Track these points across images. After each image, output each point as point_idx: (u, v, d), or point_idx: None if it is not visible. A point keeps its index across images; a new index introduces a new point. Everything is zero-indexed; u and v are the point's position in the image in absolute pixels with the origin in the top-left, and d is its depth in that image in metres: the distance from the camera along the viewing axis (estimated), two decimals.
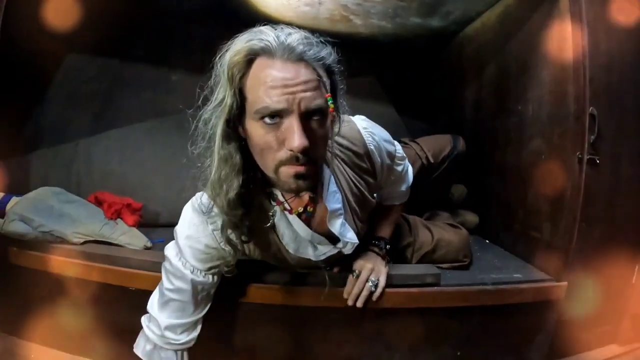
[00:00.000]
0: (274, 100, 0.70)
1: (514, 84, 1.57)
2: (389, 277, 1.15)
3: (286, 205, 0.90)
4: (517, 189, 1.54)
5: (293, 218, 0.92)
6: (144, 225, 1.53)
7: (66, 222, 1.34)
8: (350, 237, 0.96)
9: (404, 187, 1.22)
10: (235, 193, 0.81)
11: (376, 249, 1.15)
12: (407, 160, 1.21)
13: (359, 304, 1.04)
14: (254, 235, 0.93)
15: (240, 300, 1.17)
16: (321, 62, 0.76)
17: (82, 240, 1.34)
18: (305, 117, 0.73)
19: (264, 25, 0.77)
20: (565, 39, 1.29)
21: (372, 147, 0.99)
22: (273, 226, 0.93)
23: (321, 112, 0.75)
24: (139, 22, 1.90)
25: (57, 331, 1.36)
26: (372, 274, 1.08)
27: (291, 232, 0.95)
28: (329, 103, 0.76)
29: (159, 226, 1.66)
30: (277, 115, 0.72)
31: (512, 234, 1.58)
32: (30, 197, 1.39)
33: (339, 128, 0.87)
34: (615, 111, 1.36)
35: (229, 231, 0.88)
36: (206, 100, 0.80)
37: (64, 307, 1.34)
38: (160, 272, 1.02)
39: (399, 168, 1.15)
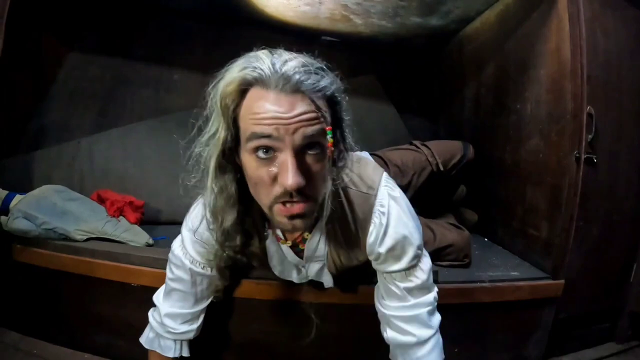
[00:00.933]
0: (263, 128, 0.65)
1: (512, 82, 1.57)
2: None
3: (279, 235, 0.88)
4: (515, 187, 1.55)
5: (273, 241, 0.90)
6: (146, 223, 1.54)
7: (69, 220, 1.36)
8: (326, 281, 0.97)
9: (428, 332, 0.89)
10: (231, 224, 0.79)
11: None
12: (435, 295, 0.93)
13: None
14: (252, 259, 0.93)
15: (235, 296, 1.19)
16: (321, 93, 0.68)
17: (85, 237, 1.35)
18: (301, 152, 0.67)
19: (262, 49, 0.72)
20: (562, 38, 1.30)
21: (373, 223, 0.86)
22: (264, 246, 0.92)
23: (319, 146, 0.68)
24: (140, 21, 1.92)
25: (60, 327, 1.38)
26: None
27: (279, 255, 0.95)
28: (328, 137, 0.69)
29: (161, 224, 1.68)
30: (270, 149, 0.66)
31: (510, 232, 1.59)
32: (33, 194, 1.40)
33: (344, 163, 0.79)
34: (613, 110, 1.37)
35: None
36: (200, 130, 0.75)
37: (67, 303, 1.37)
38: (162, 269, 1.05)
39: (414, 281, 0.88)
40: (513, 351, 1.35)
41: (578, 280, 1.36)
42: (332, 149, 0.70)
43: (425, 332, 0.87)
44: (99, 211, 1.44)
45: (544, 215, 1.40)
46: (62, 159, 1.71)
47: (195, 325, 1.03)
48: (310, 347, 1.26)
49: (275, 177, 0.67)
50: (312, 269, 0.96)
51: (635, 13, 1.43)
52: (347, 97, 0.75)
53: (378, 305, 0.96)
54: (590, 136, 1.28)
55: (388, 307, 0.91)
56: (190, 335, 1.03)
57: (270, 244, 0.92)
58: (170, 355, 1.02)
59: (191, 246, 0.93)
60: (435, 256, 1.35)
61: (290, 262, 0.95)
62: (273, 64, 0.66)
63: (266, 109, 0.65)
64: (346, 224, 0.87)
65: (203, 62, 1.94)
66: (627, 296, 1.51)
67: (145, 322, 1.28)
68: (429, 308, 0.88)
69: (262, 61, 0.67)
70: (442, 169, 1.55)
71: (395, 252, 0.85)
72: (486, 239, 1.74)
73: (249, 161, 0.69)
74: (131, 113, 1.86)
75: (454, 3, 1.65)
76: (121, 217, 1.46)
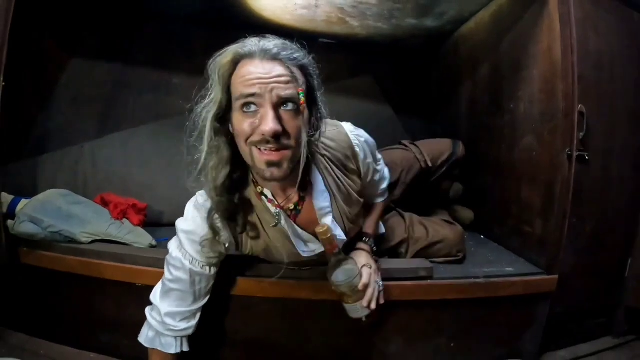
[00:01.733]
0: (247, 87, 0.81)
1: (506, 82, 1.59)
2: (383, 271, 1.20)
3: (269, 196, 0.97)
4: (510, 185, 1.57)
5: (285, 219, 0.99)
6: (149, 225, 1.57)
7: (74, 223, 1.38)
8: (339, 234, 1.04)
9: (384, 185, 1.28)
10: (222, 182, 0.90)
11: (366, 246, 1.18)
12: (383, 161, 1.27)
13: (373, 305, 1.07)
14: (249, 230, 1.01)
15: (238, 294, 1.22)
16: (294, 62, 0.85)
17: (90, 240, 1.38)
18: (278, 106, 0.82)
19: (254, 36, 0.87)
20: (554, 39, 1.32)
21: (358, 149, 1.06)
22: (271, 225, 1.00)
23: (293, 102, 0.83)
24: (140, 26, 1.95)
25: (66, 327, 1.41)
26: (376, 275, 1.11)
27: (284, 231, 1.01)
28: (300, 96, 0.84)
29: (163, 225, 1.70)
30: (253, 104, 0.82)
31: (505, 229, 1.62)
32: (39, 199, 1.43)
33: (324, 129, 0.94)
34: (606, 108, 1.39)
35: (224, 222, 0.97)
36: (202, 100, 0.89)
37: (73, 304, 1.39)
38: None
39: (379, 167, 1.21)
40: (509, 346, 1.38)
41: (572, 275, 1.38)
42: (304, 106, 0.85)
43: (384, 185, 1.25)
44: (103, 214, 1.47)
45: (538, 213, 1.42)
46: (66, 163, 1.74)
47: (194, 322, 1.10)
48: (311, 344, 1.30)
49: (257, 127, 0.82)
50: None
51: (627, 12, 1.45)
52: (318, 73, 0.91)
53: None
54: (581, 134, 1.30)
55: (376, 192, 1.24)
56: (190, 332, 1.09)
57: (276, 231, 1.01)
58: (172, 351, 1.07)
59: (190, 246, 1.01)
60: (429, 252, 1.39)
61: (295, 237, 1.03)
62: (259, 42, 0.84)
63: (250, 72, 0.81)
64: (337, 160, 1.04)
65: (202, 66, 1.95)
66: (622, 291, 1.52)
67: None
68: (383, 174, 1.25)
69: (251, 41, 0.85)
70: (430, 165, 1.60)
71: (372, 153, 1.12)
72: (482, 236, 1.76)
73: (237, 118, 0.84)
74: (133, 117, 1.89)
75: (449, 4, 1.67)
76: (125, 219, 1.49)
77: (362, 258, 1.12)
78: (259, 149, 0.83)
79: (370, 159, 1.12)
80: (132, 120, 1.88)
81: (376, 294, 1.07)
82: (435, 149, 1.65)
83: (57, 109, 1.81)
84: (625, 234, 1.50)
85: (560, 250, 1.34)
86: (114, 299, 1.35)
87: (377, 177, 1.20)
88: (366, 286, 1.04)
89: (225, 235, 1.00)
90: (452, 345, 1.32)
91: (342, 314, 1.11)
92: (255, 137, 0.82)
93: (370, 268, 1.08)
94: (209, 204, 0.97)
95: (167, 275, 1.05)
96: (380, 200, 1.28)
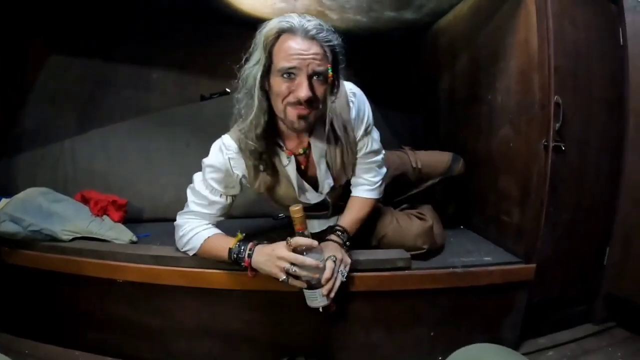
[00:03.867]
0: (289, 61, 0.99)
1: (484, 73, 1.60)
2: (362, 262, 1.23)
3: (289, 148, 1.19)
4: (488, 175, 1.59)
5: (293, 167, 1.20)
6: (129, 221, 1.57)
7: (55, 221, 1.38)
8: (329, 182, 1.25)
9: (376, 178, 1.32)
10: (262, 129, 1.10)
11: (338, 239, 1.21)
12: (383, 155, 1.35)
13: (332, 295, 1.10)
14: (266, 168, 1.19)
15: (215, 287, 1.25)
16: (328, 43, 1.03)
17: (71, 237, 1.38)
18: (311, 77, 1.01)
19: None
20: (530, 30, 1.33)
21: (351, 104, 1.23)
22: (284, 167, 1.21)
23: (323, 75, 1.03)
24: (120, 21, 1.92)
25: (50, 326, 1.41)
26: (341, 265, 1.14)
27: (289, 177, 1.22)
28: (329, 71, 1.04)
29: (144, 221, 1.71)
30: (292, 73, 1.00)
31: (484, 218, 1.64)
32: (19, 197, 1.43)
33: (336, 95, 1.13)
34: (583, 99, 1.41)
35: (247, 159, 1.17)
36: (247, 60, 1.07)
37: (56, 302, 1.40)
38: (147, 264, 1.28)
39: (375, 147, 1.31)
40: (489, 334, 1.39)
41: (550, 264, 1.40)
42: (331, 79, 1.06)
43: (376, 178, 1.32)
44: (83, 211, 1.47)
45: (515, 202, 1.44)
46: (46, 161, 1.73)
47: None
48: (292, 335, 1.31)
49: (293, 91, 1.01)
50: (321, 172, 1.23)
51: (604, 3, 1.46)
52: (344, 52, 1.09)
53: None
54: (558, 125, 1.31)
55: (366, 181, 1.32)
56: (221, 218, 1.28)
57: (288, 167, 1.20)
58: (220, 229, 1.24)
59: (211, 178, 1.20)
60: (391, 242, 1.36)
61: (300, 186, 1.24)
62: (299, 20, 1.01)
63: (292, 47, 1.00)
64: (336, 111, 1.20)
65: (182, 60, 1.96)
66: (601, 279, 1.55)
67: (132, 317, 1.33)
68: (379, 163, 1.33)
69: (293, 18, 1.02)
70: (421, 170, 1.61)
71: (366, 115, 1.27)
72: (462, 227, 1.77)
73: (276, 81, 1.03)
74: (112, 114, 1.88)
75: None
76: (105, 216, 1.49)
77: (329, 249, 1.16)
78: (293, 106, 1.03)
79: (363, 118, 1.26)
80: (111, 117, 1.86)
81: (337, 284, 1.11)
82: (432, 160, 1.64)
83: (36, 107, 1.80)
84: (603, 222, 1.52)
85: (537, 239, 1.36)
86: (97, 296, 1.36)
87: (367, 149, 1.29)
88: (327, 280, 1.09)
89: (239, 170, 1.19)
90: (431, 334, 1.34)
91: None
92: (291, 99, 1.02)
93: (335, 260, 1.12)
94: (234, 145, 1.17)
95: (190, 198, 1.24)
96: (369, 192, 1.32)
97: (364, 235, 1.35)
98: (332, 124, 1.19)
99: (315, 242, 1.07)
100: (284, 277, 1.06)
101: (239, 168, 1.19)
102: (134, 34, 1.94)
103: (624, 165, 1.49)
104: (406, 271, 1.27)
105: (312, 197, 1.28)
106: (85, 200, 1.54)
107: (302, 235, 1.06)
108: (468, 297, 1.34)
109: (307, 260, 1.05)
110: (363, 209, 1.31)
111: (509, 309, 1.40)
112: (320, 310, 1.11)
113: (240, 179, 1.22)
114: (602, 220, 1.52)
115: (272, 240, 1.14)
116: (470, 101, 1.72)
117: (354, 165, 1.30)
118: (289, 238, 1.07)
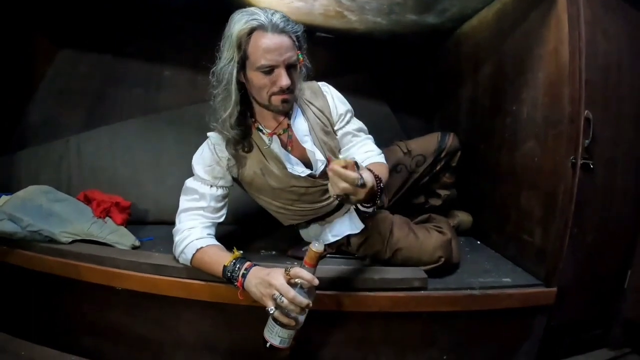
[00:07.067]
0: (268, 59, 1.10)
1: (509, 83, 1.54)
2: (376, 281, 1.17)
3: (268, 130, 1.26)
4: (510, 191, 1.52)
5: (276, 143, 1.27)
6: (133, 223, 1.53)
7: (55, 222, 1.35)
8: (318, 156, 1.29)
9: (377, 148, 1.39)
10: (235, 118, 1.18)
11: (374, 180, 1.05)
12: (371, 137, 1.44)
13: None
14: (250, 149, 1.27)
15: (222, 302, 1.20)
16: (295, 33, 1.14)
17: (70, 240, 1.34)
18: (287, 68, 1.13)
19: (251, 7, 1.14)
20: (561, 40, 1.26)
21: (325, 93, 1.37)
22: (269, 148, 1.26)
23: (296, 64, 1.16)
24: (131, 18, 1.89)
25: (46, 328, 1.38)
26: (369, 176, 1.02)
27: (275, 153, 1.27)
28: (299, 57, 1.16)
29: (148, 223, 1.67)
30: (271, 68, 1.11)
31: (503, 236, 1.57)
32: (19, 196, 1.39)
33: (305, 73, 1.24)
34: (612, 115, 1.34)
35: (230, 147, 1.24)
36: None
37: (53, 305, 1.36)
38: (147, 273, 1.23)
39: (362, 126, 1.42)
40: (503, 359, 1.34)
41: (571, 287, 1.34)
42: (302, 64, 1.19)
43: (376, 148, 1.39)
44: (85, 212, 1.43)
45: (538, 221, 1.37)
46: (50, 158, 1.70)
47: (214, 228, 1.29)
48: (301, 355, 1.26)
49: (274, 82, 1.13)
50: (308, 149, 1.28)
51: (637, 15, 1.39)
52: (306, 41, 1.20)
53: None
54: (587, 141, 1.25)
55: (368, 151, 1.36)
56: (222, 219, 1.30)
57: (272, 147, 1.26)
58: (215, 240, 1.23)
59: (200, 169, 1.25)
60: (408, 256, 1.30)
61: (288, 159, 1.29)
62: (266, 16, 1.10)
63: (266, 44, 1.09)
64: (313, 101, 1.35)
65: (193, 58, 1.89)
66: (620, 303, 1.48)
67: (130, 326, 1.27)
68: (372, 140, 1.43)
69: (258, 14, 1.10)
70: (412, 152, 1.64)
71: (341, 101, 1.39)
72: (479, 242, 1.71)
73: (256, 76, 1.13)
74: (121, 111, 1.84)
75: (451, 1, 1.61)
76: (107, 218, 1.45)
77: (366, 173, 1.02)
78: (277, 95, 1.15)
79: (339, 105, 1.37)
80: (120, 115, 1.83)
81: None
82: (422, 141, 1.69)
83: (43, 102, 1.77)
84: (625, 245, 1.45)
85: (560, 262, 1.29)
86: (95, 302, 1.31)
87: (354, 127, 1.39)
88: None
89: (224, 153, 1.25)
90: (444, 358, 1.28)
91: (330, 324, 1.07)
92: (275, 89, 1.14)
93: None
94: (218, 136, 1.24)
95: (181, 200, 1.27)
96: (380, 157, 1.35)
97: (377, 243, 1.30)
98: (310, 109, 1.33)
99: (316, 281, 0.97)
100: (273, 307, 0.96)
101: (224, 152, 1.25)
102: (147, 30, 1.90)
103: None
104: (422, 292, 1.20)
105: (304, 171, 1.31)
106: (87, 201, 1.50)
107: (307, 269, 0.97)
108: (484, 320, 1.28)
109: (297, 298, 0.94)
110: (382, 165, 1.31)
111: (526, 334, 1.33)
112: (267, 346, 1.00)
113: (230, 169, 1.27)
114: (625, 242, 1.45)
115: (281, 251, 1.08)
116: (493, 112, 1.65)
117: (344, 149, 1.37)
118: (288, 266, 0.99)
